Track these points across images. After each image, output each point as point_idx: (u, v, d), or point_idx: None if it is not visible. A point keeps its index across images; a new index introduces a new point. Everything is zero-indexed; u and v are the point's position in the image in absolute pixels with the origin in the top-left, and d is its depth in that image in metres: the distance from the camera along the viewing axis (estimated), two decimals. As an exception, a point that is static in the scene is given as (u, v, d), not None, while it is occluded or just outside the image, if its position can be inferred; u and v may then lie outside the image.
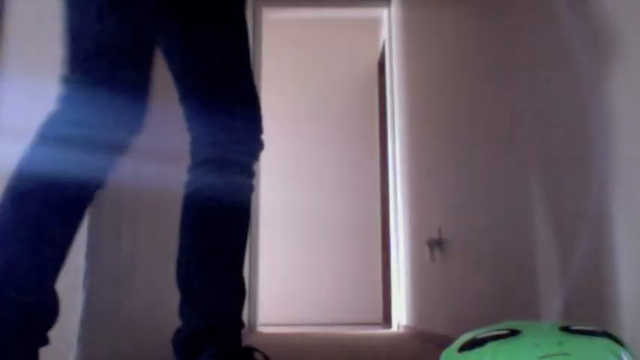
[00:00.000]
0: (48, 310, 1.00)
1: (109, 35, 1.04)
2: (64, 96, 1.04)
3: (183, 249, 1.24)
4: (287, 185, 5.25)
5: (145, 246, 1.77)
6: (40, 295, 0.98)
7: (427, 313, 3.29)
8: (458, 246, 2.58)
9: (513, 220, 1.86)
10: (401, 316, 4.14)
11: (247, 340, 1.26)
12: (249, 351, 1.21)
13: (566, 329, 0.75)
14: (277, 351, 2.20)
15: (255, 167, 1.27)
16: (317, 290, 5.20)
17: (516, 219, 1.83)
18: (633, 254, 1.19)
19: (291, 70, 5.49)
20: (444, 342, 1.18)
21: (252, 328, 4.13)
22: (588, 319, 1.33)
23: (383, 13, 4.90)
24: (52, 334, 1.22)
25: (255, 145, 1.27)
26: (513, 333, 0.75)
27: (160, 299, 1.89)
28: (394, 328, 4.26)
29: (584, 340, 0.73)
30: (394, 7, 4.64)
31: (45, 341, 0.99)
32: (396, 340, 3.23)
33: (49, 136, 1.02)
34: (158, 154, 1.87)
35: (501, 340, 0.74)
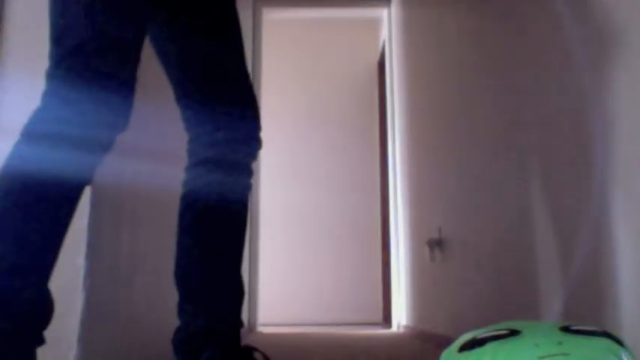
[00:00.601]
0: (42, 309, 0.99)
1: (93, 31, 1.04)
2: (48, 92, 1.03)
3: (182, 249, 1.24)
4: (287, 185, 5.25)
5: (145, 246, 1.77)
6: (33, 293, 0.98)
7: (427, 313, 3.29)
8: (458, 246, 2.58)
9: (513, 220, 1.86)
10: (401, 316, 4.14)
11: (247, 340, 1.26)
12: (249, 350, 1.21)
13: (566, 329, 0.75)
14: (277, 351, 2.20)
15: (253, 166, 1.27)
16: (317, 290, 5.20)
17: (516, 219, 1.83)
18: (633, 254, 1.19)
19: (291, 70, 5.49)
20: (444, 342, 1.18)
21: (252, 328, 4.13)
22: (588, 319, 1.33)
23: (383, 13, 4.90)
24: (52, 334, 1.22)
25: (253, 144, 1.26)
26: (513, 333, 0.75)
27: (159, 299, 1.89)
28: (394, 328, 4.26)
29: (584, 340, 0.73)
30: (394, 7, 4.64)
31: (41, 341, 0.99)
32: (396, 340, 3.23)
33: (32, 133, 1.02)
34: (158, 154, 1.86)
35: (501, 340, 0.74)
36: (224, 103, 1.24)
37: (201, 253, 1.22)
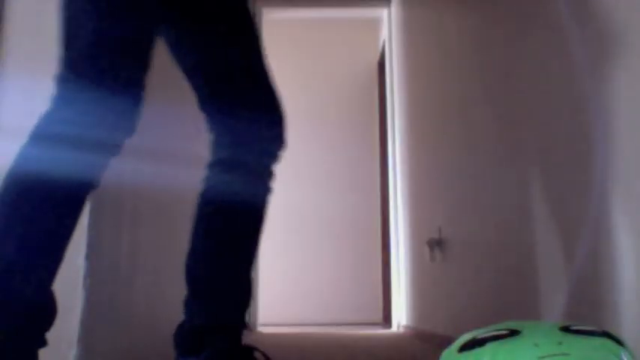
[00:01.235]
0: (45, 311, 0.99)
1: (105, 36, 1.04)
2: (58, 95, 1.03)
3: (194, 245, 1.24)
4: (287, 185, 5.23)
5: (145, 246, 1.77)
6: (37, 295, 0.98)
7: (427, 313, 3.29)
8: (458, 246, 2.58)
9: (513, 220, 1.86)
10: (401, 316, 4.14)
11: (247, 339, 1.26)
12: (249, 350, 1.21)
13: (566, 329, 0.75)
14: (277, 351, 2.20)
15: (274, 169, 1.27)
16: (317, 290, 5.20)
17: (516, 219, 1.83)
18: (633, 254, 1.19)
19: (291, 70, 5.49)
20: (444, 342, 1.18)
21: (252, 328, 4.13)
22: (588, 319, 1.33)
23: (383, 13, 4.90)
24: (53, 334, 1.22)
25: (276, 146, 1.25)
26: (513, 333, 0.75)
27: (159, 299, 1.89)
28: (394, 328, 4.26)
29: (584, 340, 0.73)
30: (394, 7, 4.65)
31: (43, 343, 0.99)
32: (396, 340, 3.23)
33: (42, 135, 1.02)
34: (158, 154, 1.87)
35: (501, 341, 0.74)
36: (244, 104, 1.24)
37: (212, 250, 1.23)
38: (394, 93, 4.56)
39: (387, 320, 4.84)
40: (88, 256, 1.31)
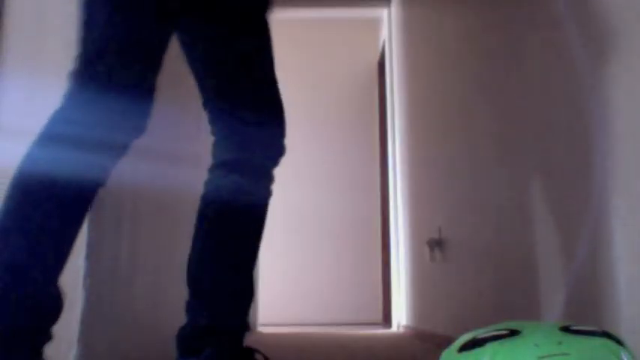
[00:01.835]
0: (52, 307, 1.01)
1: (117, 36, 1.06)
2: (70, 93, 1.04)
3: (196, 246, 1.25)
4: (287, 185, 5.24)
5: (145, 246, 1.77)
6: (44, 292, 0.99)
7: (427, 313, 3.29)
8: (458, 246, 2.58)
9: (513, 220, 1.86)
10: (401, 316, 4.14)
11: (247, 340, 1.27)
12: (251, 352, 1.22)
13: (566, 329, 0.75)
14: (277, 351, 2.20)
15: (274, 172, 1.28)
16: (317, 290, 5.20)
17: (516, 219, 1.83)
18: (633, 254, 1.19)
19: (291, 70, 5.49)
20: (444, 342, 1.18)
21: (252, 328, 4.13)
22: (588, 320, 1.33)
23: (383, 13, 4.90)
24: (53, 333, 1.22)
25: (276, 150, 1.28)
26: (513, 333, 0.75)
27: (160, 299, 1.89)
28: (394, 328, 4.26)
29: (584, 340, 0.73)
30: (394, 7, 4.65)
31: (49, 337, 1.01)
32: (396, 340, 3.23)
33: (51, 134, 1.03)
34: (158, 154, 1.87)
35: (501, 341, 0.74)
36: (247, 108, 1.26)
37: (213, 252, 1.23)
38: (394, 93, 4.56)
39: (387, 320, 4.84)
40: (88, 256, 1.31)
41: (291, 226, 5.24)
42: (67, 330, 1.26)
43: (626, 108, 1.23)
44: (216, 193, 1.25)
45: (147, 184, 1.76)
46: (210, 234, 1.24)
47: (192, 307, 1.22)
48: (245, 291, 1.25)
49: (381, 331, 4.15)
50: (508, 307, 1.89)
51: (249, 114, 1.25)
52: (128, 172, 1.58)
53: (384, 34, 4.97)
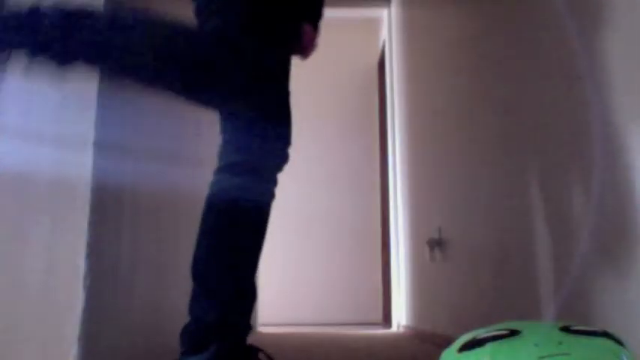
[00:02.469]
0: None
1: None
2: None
3: (201, 246, 1.26)
4: (286, 185, 5.23)
5: (146, 246, 1.77)
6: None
7: (427, 313, 3.29)
8: (458, 246, 2.58)
9: (513, 219, 1.86)
10: (401, 316, 4.14)
11: (247, 340, 1.27)
12: (254, 350, 1.22)
13: (566, 329, 0.75)
14: (277, 351, 2.20)
15: (277, 177, 1.30)
16: (317, 290, 5.20)
17: (516, 219, 1.83)
18: (633, 254, 1.19)
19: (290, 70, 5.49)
20: (444, 342, 1.18)
21: (253, 328, 4.13)
22: (588, 320, 1.34)
23: (383, 13, 4.90)
24: (53, 333, 1.22)
25: (282, 156, 1.31)
26: (513, 333, 0.75)
27: (160, 298, 1.89)
28: (394, 328, 4.26)
29: (584, 340, 0.73)
30: (394, 7, 4.65)
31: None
32: (396, 340, 3.23)
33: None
34: (159, 154, 1.86)
35: (501, 341, 0.74)
36: (261, 112, 1.27)
37: (217, 251, 1.25)
38: (394, 93, 4.56)
39: (387, 320, 4.84)
40: (88, 256, 1.31)
41: (291, 226, 5.24)
42: (67, 330, 1.27)
43: (626, 108, 1.23)
44: (221, 195, 1.26)
45: (147, 184, 1.76)
46: (215, 234, 1.26)
47: (196, 305, 1.24)
48: (248, 290, 1.27)
49: (381, 331, 4.15)
50: (508, 307, 1.89)
51: (262, 120, 1.27)
52: (128, 172, 1.58)
53: (384, 34, 4.97)
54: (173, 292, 1.98)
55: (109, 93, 1.41)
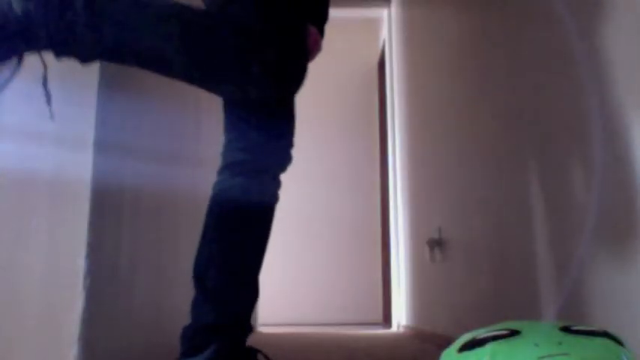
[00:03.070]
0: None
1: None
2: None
3: (203, 246, 1.26)
4: (286, 185, 5.23)
5: (146, 246, 1.77)
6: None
7: (427, 313, 3.29)
8: (458, 246, 2.58)
9: (513, 220, 1.86)
10: (401, 316, 4.15)
11: (248, 340, 1.27)
12: (253, 352, 1.22)
13: (566, 329, 0.75)
14: (277, 351, 2.20)
15: (280, 178, 1.30)
16: (317, 290, 5.20)
17: (516, 219, 1.83)
18: (633, 254, 1.19)
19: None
20: (444, 342, 1.18)
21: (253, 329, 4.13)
22: (588, 320, 1.34)
23: (383, 13, 4.90)
24: (53, 333, 1.22)
25: (285, 157, 1.30)
26: (513, 333, 0.75)
27: (160, 299, 1.89)
28: (394, 328, 4.26)
29: (584, 340, 0.73)
30: (394, 7, 4.65)
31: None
32: (396, 340, 3.23)
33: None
34: (158, 154, 1.87)
35: (501, 341, 0.74)
36: (265, 113, 1.27)
37: (220, 252, 1.24)
38: (394, 93, 4.56)
39: (387, 320, 4.84)
40: (88, 256, 1.31)
41: (291, 226, 5.24)
42: (67, 330, 1.27)
43: (627, 107, 1.23)
44: (224, 195, 1.26)
45: (147, 184, 1.76)
46: (218, 234, 1.25)
47: (197, 306, 1.24)
48: (250, 292, 1.26)
49: (381, 331, 4.15)
50: (508, 307, 1.89)
51: (266, 121, 1.27)
52: (128, 172, 1.58)
53: (384, 34, 4.97)
54: (173, 292, 1.98)
55: (109, 93, 1.41)
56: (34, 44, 1.04)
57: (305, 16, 1.33)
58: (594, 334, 0.75)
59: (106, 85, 1.38)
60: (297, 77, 1.27)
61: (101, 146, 1.36)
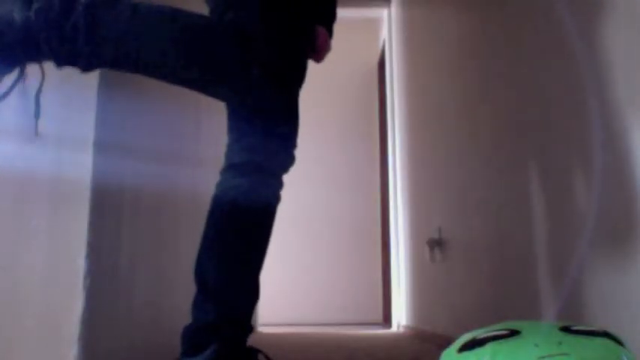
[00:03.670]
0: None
1: None
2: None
3: (204, 246, 1.26)
4: (287, 185, 5.23)
5: (145, 246, 1.77)
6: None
7: (427, 313, 3.29)
8: (458, 246, 2.58)
9: (513, 220, 1.86)
10: (401, 316, 4.15)
11: (248, 340, 1.27)
12: (253, 352, 1.22)
13: (566, 329, 0.75)
14: (277, 351, 2.20)
15: (283, 179, 1.30)
16: (317, 290, 5.21)
17: (516, 219, 1.83)
18: (633, 254, 1.19)
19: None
20: (444, 342, 1.18)
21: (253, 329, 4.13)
22: (588, 319, 1.34)
23: (383, 13, 4.90)
24: (53, 333, 1.22)
25: (288, 158, 1.30)
26: (513, 333, 0.75)
27: (160, 299, 1.89)
28: (394, 328, 4.26)
29: (584, 340, 0.73)
30: (394, 7, 4.65)
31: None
32: (396, 340, 3.23)
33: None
34: (158, 154, 1.86)
35: (501, 341, 0.74)
36: (268, 114, 1.26)
37: (222, 252, 1.24)
38: (394, 93, 4.56)
39: (387, 320, 4.84)
40: (88, 256, 1.31)
41: (291, 226, 5.24)
42: (67, 330, 1.27)
43: (627, 107, 1.23)
44: (226, 195, 1.26)
45: (147, 184, 1.76)
46: (219, 234, 1.25)
47: (198, 305, 1.24)
48: (251, 292, 1.26)
49: (381, 331, 4.15)
50: (508, 307, 1.89)
51: (269, 121, 1.27)
52: (128, 172, 1.58)
53: (384, 34, 4.97)
54: (173, 292, 1.98)
55: (109, 93, 1.41)
56: (35, 54, 1.05)
57: (313, 17, 1.33)
58: (594, 334, 0.75)
59: (106, 85, 1.38)
60: (297, 78, 1.28)
61: (101, 146, 1.36)
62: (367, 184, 5.36)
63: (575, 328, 0.76)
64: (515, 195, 1.84)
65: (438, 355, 0.81)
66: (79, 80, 1.33)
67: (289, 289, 5.16)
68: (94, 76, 1.35)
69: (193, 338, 1.21)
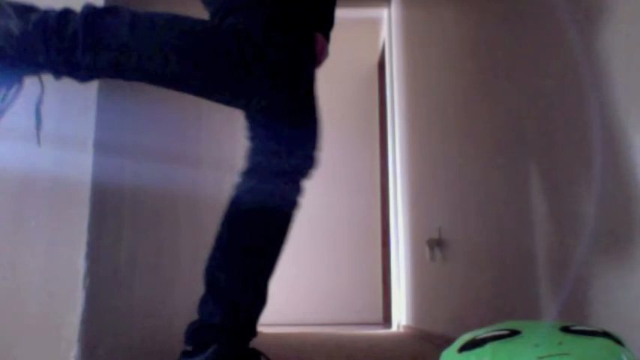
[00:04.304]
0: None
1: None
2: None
3: (217, 246, 1.26)
4: (287, 185, 5.24)
5: (145, 246, 1.77)
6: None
7: (427, 313, 3.29)
8: (458, 246, 2.58)
9: (513, 220, 1.86)
10: (401, 316, 4.14)
11: (252, 342, 1.27)
12: (256, 354, 1.22)
13: (566, 329, 0.75)
14: (277, 351, 2.20)
15: (304, 185, 1.29)
16: (317, 290, 5.20)
17: (516, 219, 1.83)
18: (633, 254, 1.19)
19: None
20: (444, 342, 1.18)
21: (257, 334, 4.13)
22: (588, 319, 1.34)
23: (383, 13, 4.90)
24: (53, 333, 1.22)
25: (309, 163, 1.29)
26: (513, 333, 0.75)
27: (160, 299, 1.89)
28: (394, 328, 4.26)
29: (584, 340, 0.73)
30: (394, 7, 4.65)
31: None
32: (396, 340, 3.23)
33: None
34: (158, 154, 1.86)
35: (501, 341, 0.74)
36: (290, 119, 1.26)
37: (235, 255, 1.24)
38: (394, 93, 4.56)
39: (387, 320, 4.84)
40: (88, 256, 1.31)
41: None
42: (67, 330, 1.27)
43: (627, 107, 1.23)
44: (241, 198, 1.25)
45: (147, 184, 1.76)
46: (233, 237, 1.25)
47: (205, 304, 1.23)
48: (259, 297, 1.26)
49: (381, 331, 4.15)
50: (508, 307, 1.89)
51: (283, 125, 1.26)
52: (128, 172, 1.58)
53: (384, 34, 4.97)
54: (173, 292, 1.98)
55: (109, 93, 1.41)
56: (34, 66, 1.04)
57: (311, 24, 1.33)
58: (594, 334, 0.75)
59: (106, 85, 1.38)
60: (302, 79, 1.27)
61: (101, 146, 1.36)
62: (367, 184, 5.36)
63: (575, 328, 0.76)
64: (516, 195, 1.84)
65: (438, 355, 0.81)
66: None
67: (289, 289, 5.16)
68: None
69: (196, 336, 1.21)
